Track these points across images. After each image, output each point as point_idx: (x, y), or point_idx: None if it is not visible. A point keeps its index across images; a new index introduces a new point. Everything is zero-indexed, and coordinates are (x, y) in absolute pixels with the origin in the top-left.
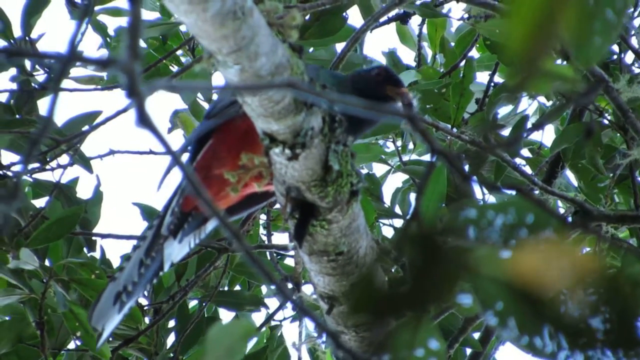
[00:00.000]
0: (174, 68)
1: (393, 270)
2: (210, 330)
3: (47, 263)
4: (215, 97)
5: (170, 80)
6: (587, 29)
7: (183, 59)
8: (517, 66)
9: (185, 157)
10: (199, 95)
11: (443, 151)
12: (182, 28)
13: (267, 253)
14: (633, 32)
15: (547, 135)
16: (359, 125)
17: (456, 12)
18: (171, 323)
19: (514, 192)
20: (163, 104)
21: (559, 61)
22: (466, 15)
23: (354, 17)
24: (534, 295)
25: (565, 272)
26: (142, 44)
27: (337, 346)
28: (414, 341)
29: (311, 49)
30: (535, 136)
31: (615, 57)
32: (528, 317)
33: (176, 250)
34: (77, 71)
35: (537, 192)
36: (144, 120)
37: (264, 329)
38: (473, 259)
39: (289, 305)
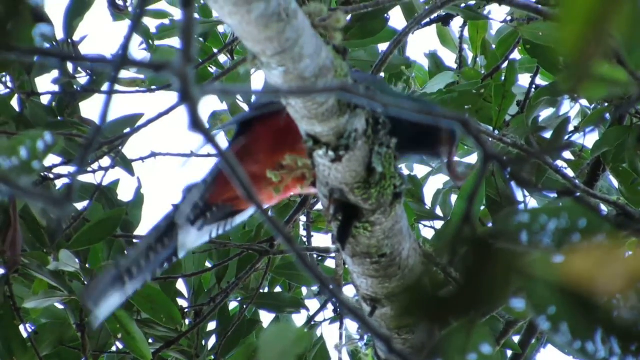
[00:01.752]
0: (212, 69)
1: (439, 272)
2: (263, 333)
3: (87, 265)
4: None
5: (221, 83)
6: (638, 33)
7: (222, 61)
8: (568, 70)
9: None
10: (238, 96)
11: (497, 156)
12: (220, 29)
13: (308, 255)
14: None
15: (588, 138)
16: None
17: (498, 14)
18: (212, 325)
19: (555, 195)
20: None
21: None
22: (509, 18)
23: (396, 18)
24: (586, 300)
25: (619, 276)
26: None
27: (390, 350)
28: (466, 346)
29: (354, 50)
30: (578, 139)
31: None
32: (581, 322)
33: (193, 238)
34: (120, 73)
35: (578, 195)
36: (197, 125)
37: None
38: (526, 263)
39: (329, 307)
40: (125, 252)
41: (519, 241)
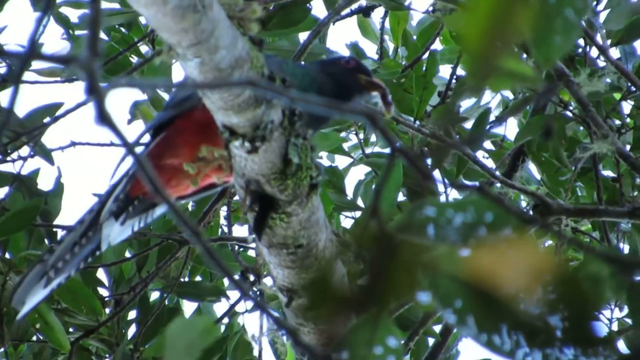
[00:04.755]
0: (134, 59)
1: (353, 263)
2: (170, 326)
3: (7, 255)
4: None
5: (130, 77)
6: (547, 27)
7: (143, 50)
8: (475, 63)
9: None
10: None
11: (403, 150)
12: (143, 20)
13: (229, 245)
14: (598, 26)
15: (510, 128)
16: (319, 118)
17: (418, 5)
18: (132, 314)
19: (474, 188)
20: (123, 94)
21: (522, 56)
22: (431, 9)
23: (317, 8)
24: (492, 294)
25: (524, 270)
26: (103, 35)
27: (296, 342)
28: (372, 339)
29: (274, 39)
30: (498, 129)
31: (580, 50)
32: (487, 315)
33: (116, 232)
34: (38, 64)
35: (498, 185)
36: (103, 118)
37: (225, 319)
38: (432, 257)
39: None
40: (45, 241)
41: (426, 235)
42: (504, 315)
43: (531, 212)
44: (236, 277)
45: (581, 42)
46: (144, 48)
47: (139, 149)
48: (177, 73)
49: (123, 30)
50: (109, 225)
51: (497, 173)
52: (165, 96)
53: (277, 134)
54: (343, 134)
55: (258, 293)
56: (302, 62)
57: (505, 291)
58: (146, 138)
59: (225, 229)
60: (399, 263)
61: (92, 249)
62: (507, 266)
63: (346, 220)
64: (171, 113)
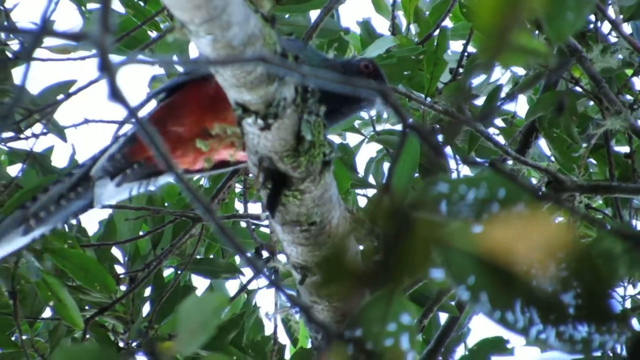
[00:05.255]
0: (153, 33)
1: (367, 240)
2: (183, 303)
3: None
4: None
5: (144, 53)
6: (559, 3)
7: (162, 25)
8: (487, 39)
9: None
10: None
11: (415, 126)
12: None
13: (243, 222)
14: (610, 2)
15: (520, 105)
16: (339, 111)
17: None
18: (147, 291)
19: (486, 164)
20: (142, 69)
21: (535, 32)
22: None
23: None
24: (505, 270)
25: (537, 247)
26: (121, 8)
27: (309, 319)
28: (386, 316)
29: (287, 15)
30: (509, 106)
31: (591, 26)
32: (500, 292)
33: (110, 192)
34: (50, 41)
35: (510, 162)
36: (115, 95)
37: (240, 295)
38: (445, 233)
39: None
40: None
41: (439, 211)
42: (517, 292)
43: (544, 189)
44: (250, 254)
45: (592, 17)
46: (162, 23)
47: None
48: (193, 47)
49: (141, 3)
50: (102, 185)
51: (510, 149)
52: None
53: (289, 111)
54: None
55: (272, 270)
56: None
57: (519, 268)
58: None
59: (241, 206)
60: (413, 239)
61: (83, 205)
62: (520, 242)
63: (358, 198)
64: (183, 78)
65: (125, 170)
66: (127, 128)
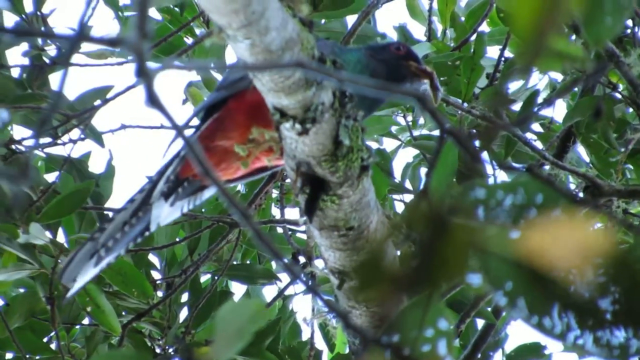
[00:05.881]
0: (189, 40)
1: (405, 245)
2: (221, 308)
3: (59, 238)
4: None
5: (180, 58)
6: (597, 8)
7: (198, 31)
8: (525, 43)
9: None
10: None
11: (452, 131)
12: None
13: (279, 227)
14: None
15: (557, 110)
16: (371, 101)
17: None
18: (184, 297)
19: (523, 169)
20: (177, 75)
21: (571, 37)
22: None
23: None
24: (543, 275)
25: (575, 252)
26: (157, 15)
27: (347, 325)
28: (423, 321)
29: (323, 21)
30: (546, 111)
31: (629, 31)
32: (537, 297)
33: (166, 213)
34: (88, 46)
35: (547, 167)
36: (152, 100)
37: (277, 301)
38: (482, 238)
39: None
40: (97, 224)
41: (476, 217)
42: (555, 297)
43: (582, 194)
44: (287, 260)
45: (630, 22)
46: (198, 29)
47: (188, 131)
48: (230, 54)
49: (176, 9)
50: (158, 206)
51: (547, 154)
52: (218, 77)
53: (327, 115)
54: (391, 116)
55: (309, 276)
56: (351, 45)
57: (557, 273)
58: (196, 121)
59: (277, 212)
60: (450, 245)
61: (141, 229)
62: (558, 248)
63: (395, 203)
64: (223, 94)
65: (177, 189)
66: (177, 148)
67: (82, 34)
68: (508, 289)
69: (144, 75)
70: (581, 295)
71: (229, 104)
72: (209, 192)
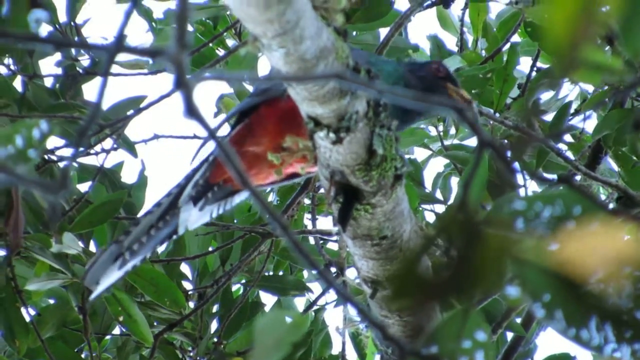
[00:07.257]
0: (220, 52)
1: (437, 255)
2: (257, 321)
3: (91, 248)
4: None
5: (217, 69)
6: (636, 19)
7: (229, 43)
8: (559, 54)
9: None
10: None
11: (492, 143)
12: (229, 13)
13: (311, 237)
14: None
15: (588, 121)
16: (409, 114)
17: None
18: (215, 307)
19: (554, 180)
20: (208, 87)
21: (606, 48)
22: (513, 0)
23: (400, 1)
24: (581, 287)
25: (613, 263)
26: (190, 28)
27: (384, 336)
28: (461, 332)
29: (355, 33)
30: (577, 121)
31: None
32: (575, 309)
33: (194, 217)
34: (122, 56)
35: (579, 177)
36: (192, 111)
37: (307, 313)
38: (520, 249)
39: (331, 290)
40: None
41: (514, 228)
42: (592, 309)
43: (614, 205)
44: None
45: None
46: (230, 41)
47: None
48: (263, 65)
49: (209, 22)
50: (187, 210)
51: (580, 165)
52: (250, 89)
53: (361, 124)
54: (422, 126)
55: (342, 285)
56: (392, 59)
57: (594, 285)
58: (227, 127)
59: (309, 222)
60: (487, 255)
61: (168, 232)
62: (596, 259)
63: (426, 214)
64: (256, 100)
65: (206, 193)
66: (206, 152)
67: (121, 44)
68: (546, 300)
69: (183, 86)
70: (619, 307)
71: (261, 109)
72: (240, 197)
